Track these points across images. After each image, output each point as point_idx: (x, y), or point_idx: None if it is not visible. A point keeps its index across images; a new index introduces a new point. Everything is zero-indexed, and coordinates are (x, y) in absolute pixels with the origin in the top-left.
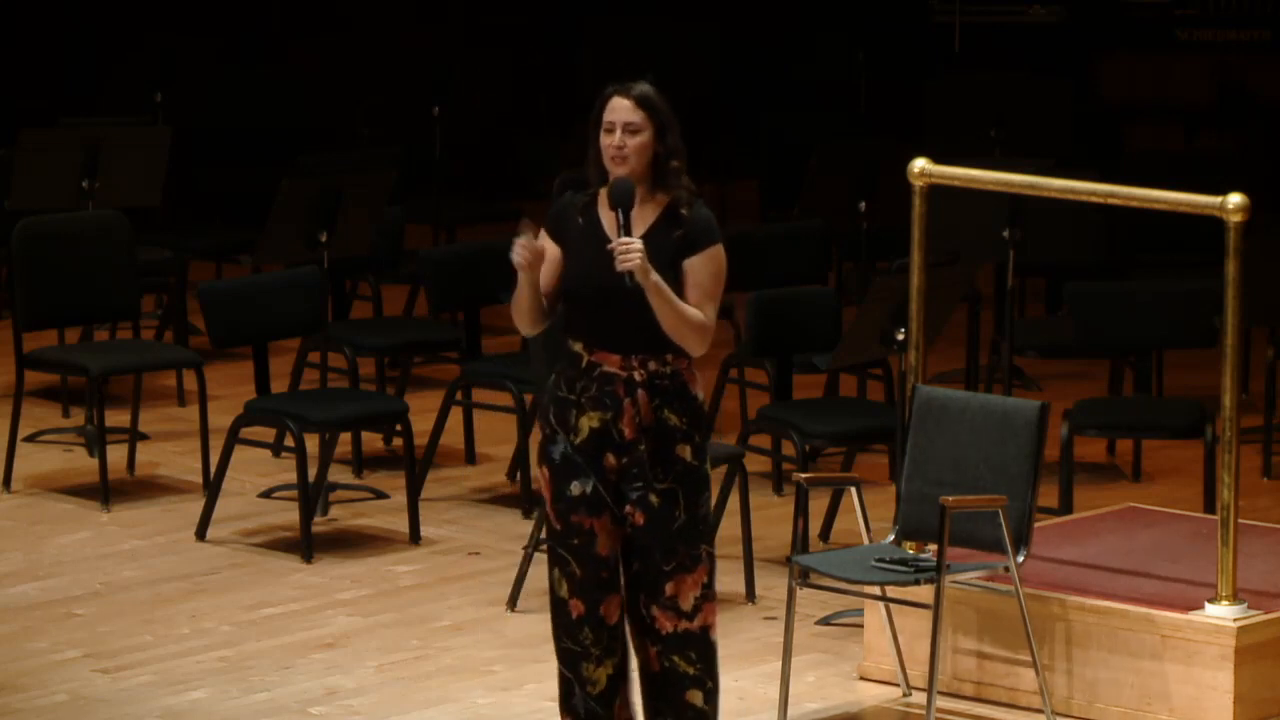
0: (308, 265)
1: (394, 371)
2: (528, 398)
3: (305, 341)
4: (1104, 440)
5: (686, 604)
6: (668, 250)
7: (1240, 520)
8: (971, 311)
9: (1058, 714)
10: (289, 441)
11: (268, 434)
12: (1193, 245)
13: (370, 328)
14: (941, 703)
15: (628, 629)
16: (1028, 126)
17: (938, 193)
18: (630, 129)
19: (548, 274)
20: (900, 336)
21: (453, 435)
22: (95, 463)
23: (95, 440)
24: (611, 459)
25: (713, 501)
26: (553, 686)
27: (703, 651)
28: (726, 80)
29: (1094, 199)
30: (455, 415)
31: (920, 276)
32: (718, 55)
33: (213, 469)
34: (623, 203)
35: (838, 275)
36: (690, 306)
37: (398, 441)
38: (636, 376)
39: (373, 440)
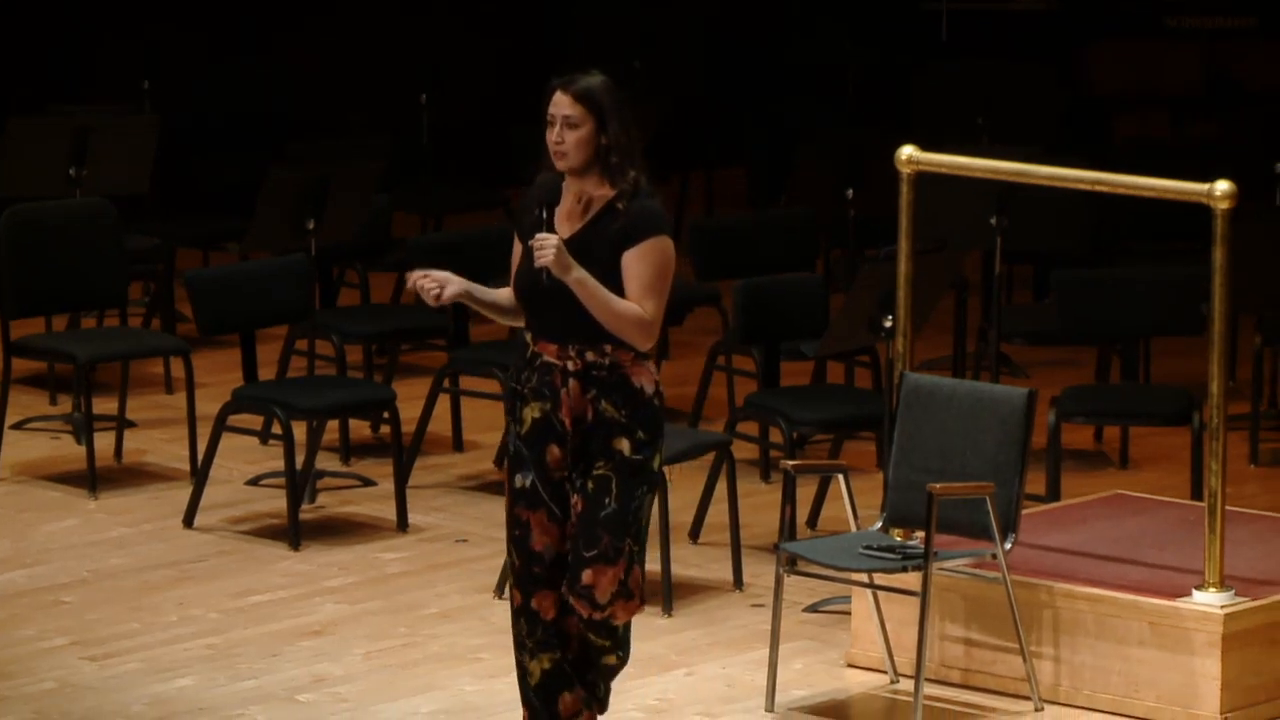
0: (295, 253)
1: (381, 359)
2: None
3: (293, 329)
4: (1091, 427)
5: (602, 596)
6: (606, 243)
7: (1227, 507)
8: (959, 299)
9: (1045, 701)
10: (276, 429)
11: (255, 421)
12: (1180, 233)
13: (358, 315)
14: (929, 690)
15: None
16: (1015, 114)
17: (925, 180)
18: (569, 123)
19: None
20: (888, 324)
21: (440, 422)
22: (83, 450)
23: (83, 428)
24: (556, 451)
25: (653, 503)
26: None
27: (611, 633)
28: (715, 68)
29: (1081, 186)
30: (443, 402)
31: (907, 264)
32: (706, 43)
33: (200, 456)
34: (543, 199)
35: (825, 263)
36: (624, 301)
37: (385, 429)
38: (570, 366)
39: (360, 428)
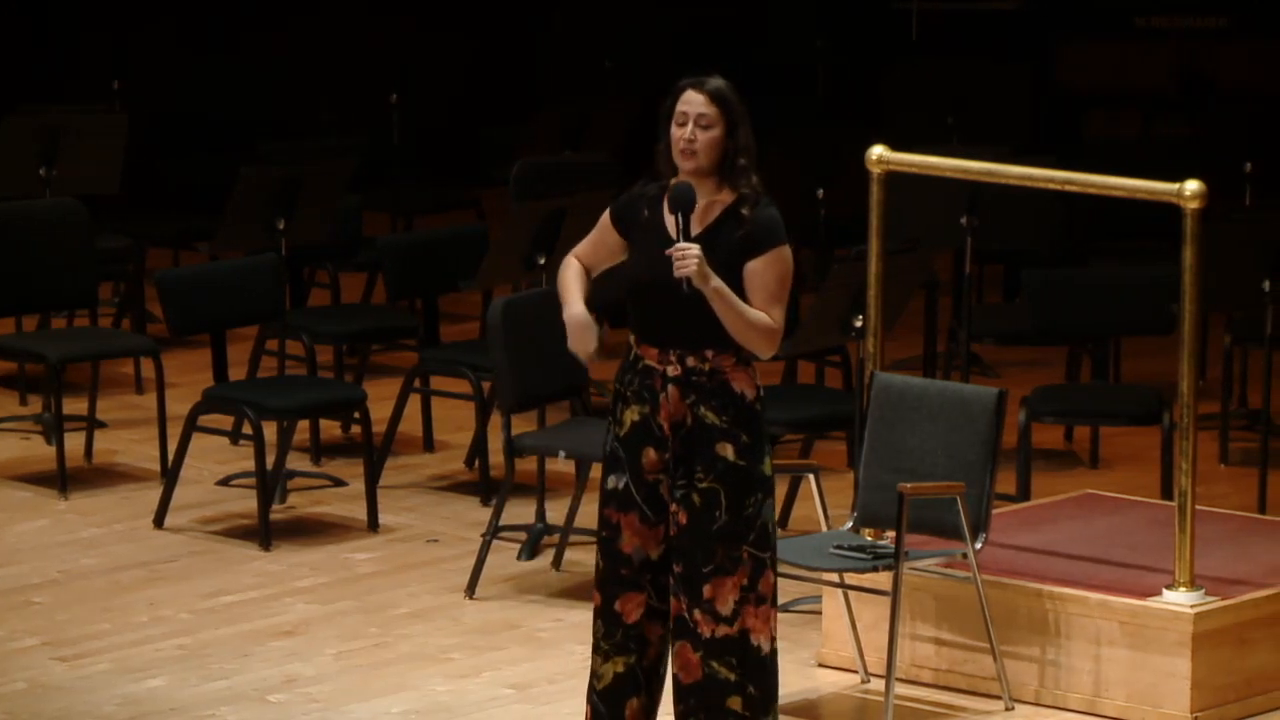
0: (266, 253)
1: (352, 359)
2: (485, 385)
3: (263, 329)
4: (1061, 427)
5: (725, 608)
6: (728, 250)
7: (1197, 507)
8: (929, 298)
9: (1016, 700)
10: (247, 429)
11: (226, 421)
12: (1150, 232)
13: (328, 315)
14: (900, 690)
15: (660, 634)
16: (986, 113)
17: (896, 180)
18: (702, 122)
19: (600, 257)
20: (858, 323)
21: (411, 422)
22: (53, 450)
23: (53, 428)
24: (652, 454)
25: (776, 506)
26: (511, 674)
27: (742, 656)
28: (685, 67)
29: (1052, 186)
30: (413, 402)
31: (878, 263)
32: (676, 43)
33: (171, 457)
34: (681, 207)
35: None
36: (755, 310)
37: (356, 429)
38: (670, 371)
39: (331, 428)
